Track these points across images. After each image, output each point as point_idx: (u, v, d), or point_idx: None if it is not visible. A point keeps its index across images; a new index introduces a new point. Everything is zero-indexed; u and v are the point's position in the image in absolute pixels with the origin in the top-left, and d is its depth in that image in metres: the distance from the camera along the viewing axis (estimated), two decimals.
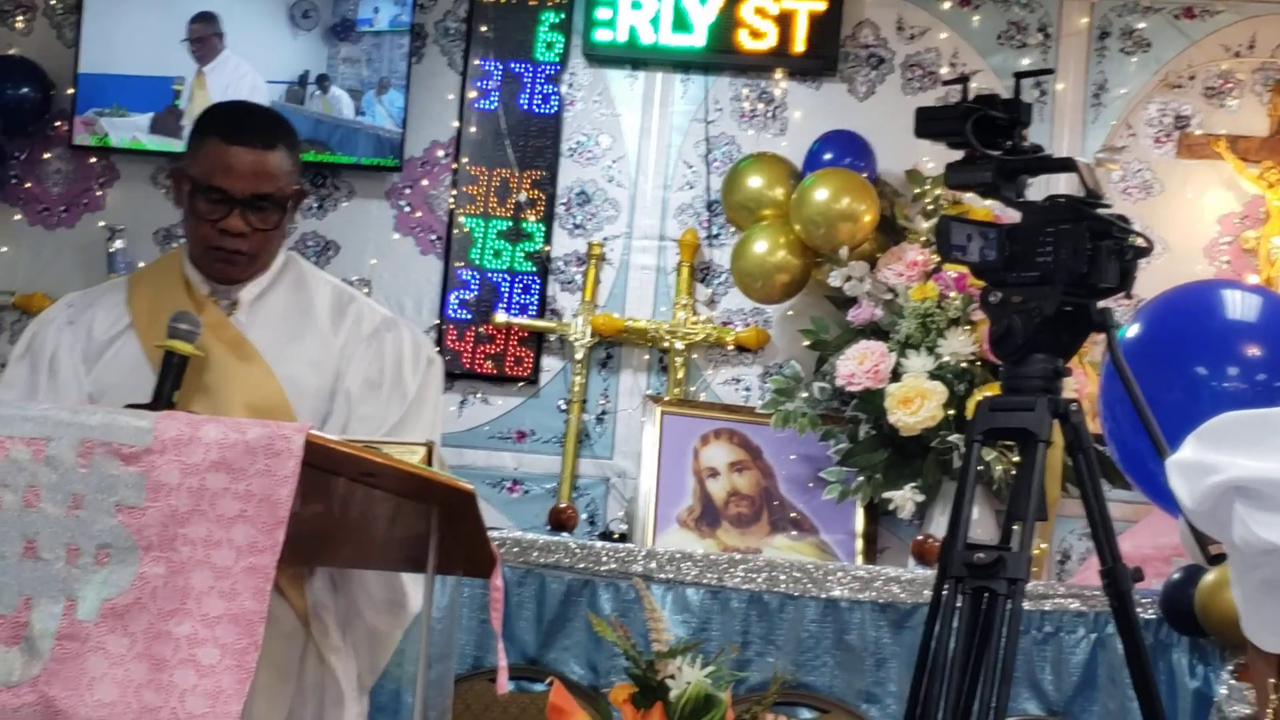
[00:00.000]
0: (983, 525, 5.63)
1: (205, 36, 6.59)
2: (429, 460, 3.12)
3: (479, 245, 6.57)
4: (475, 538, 3.10)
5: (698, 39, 6.48)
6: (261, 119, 3.82)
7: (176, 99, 6.59)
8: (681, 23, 6.48)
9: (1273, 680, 2.21)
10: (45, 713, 2.69)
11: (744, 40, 6.45)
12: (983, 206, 5.73)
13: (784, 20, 6.43)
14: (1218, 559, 3.22)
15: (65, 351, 3.73)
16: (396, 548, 3.36)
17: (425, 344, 3.88)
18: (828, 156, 6.27)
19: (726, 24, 6.46)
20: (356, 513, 3.15)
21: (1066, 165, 3.62)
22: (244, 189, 3.65)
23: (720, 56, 6.51)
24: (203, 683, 2.70)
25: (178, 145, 6.49)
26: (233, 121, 3.74)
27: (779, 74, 6.54)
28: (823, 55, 6.45)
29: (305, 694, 3.64)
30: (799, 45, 6.44)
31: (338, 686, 3.67)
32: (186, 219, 3.77)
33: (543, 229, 6.55)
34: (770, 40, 6.45)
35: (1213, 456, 2.14)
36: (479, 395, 6.56)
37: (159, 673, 2.70)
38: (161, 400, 3.48)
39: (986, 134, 3.56)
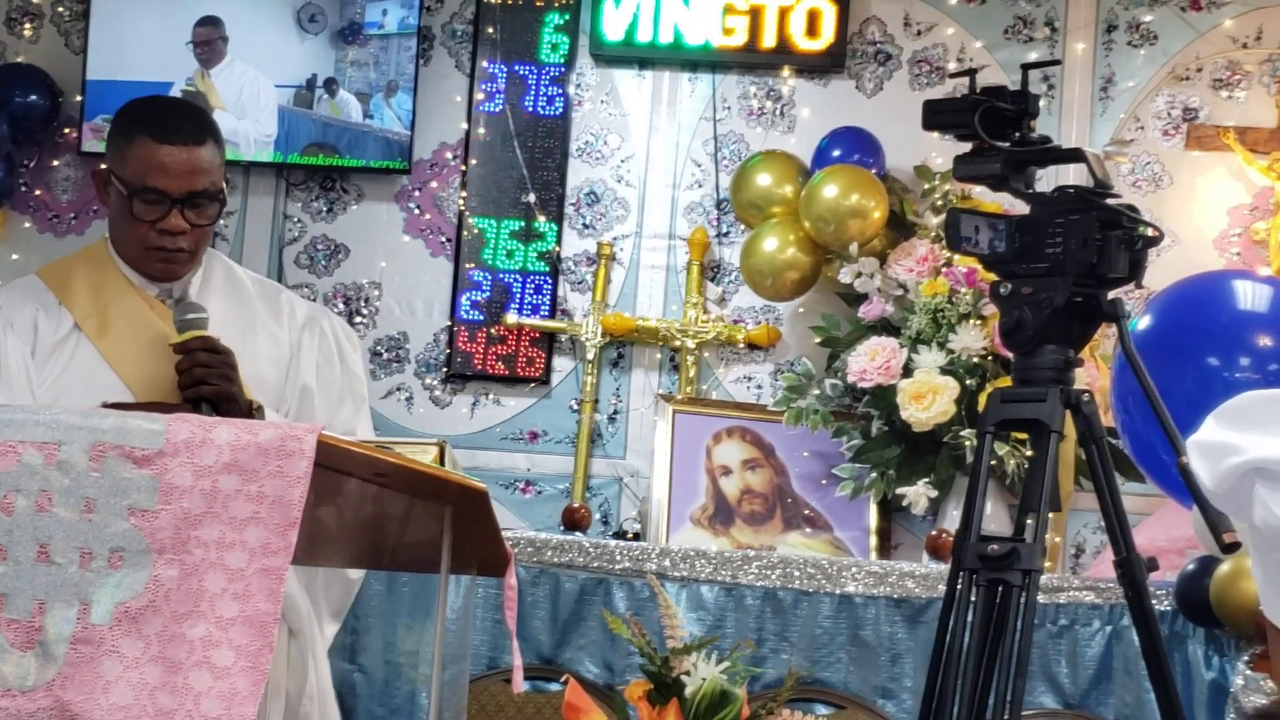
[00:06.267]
0: (996, 520, 5.62)
1: (210, 40, 6.59)
2: (441, 460, 3.13)
3: (490, 246, 6.57)
4: (489, 537, 3.10)
5: (705, 37, 6.48)
6: (188, 114, 3.76)
7: None
8: (688, 21, 6.47)
9: None
10: (60, 717, 2.68)
11: (751, 38, 6.45)
12: (992, 201, 5.72)
13: (791, 18, 6.43)
14: (1232, 548, 3.21)
15: (14, 353, 3.66)
16: (409, 548, 3.35)
17: (347, 326, 3.99)
18: (836, 153, 6.27)
19: (733, 22, 6.46)
20: (369, 513, 3.15)
21: (1075, 156, 3.62)
22: (180, 187, 3.62)
23: (727, 55, 6.51)
24: (217, 685, 2.69)
25: None
26: (160, 120, 3.68)
27: (786, 71, 6.54)
28: (830, 52, 6.45)
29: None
30: (806, 42, 6.44)
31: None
32: (117, 220, 3.72)
33: (553, 229, 6.56)
34: (777, 38, 6.44)
35: (1234, 437, 2.12)
36: (491, 396, 6.56)
37: (174, 675, 2.69)
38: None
39: (994, 125, 3.56)
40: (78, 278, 3.78)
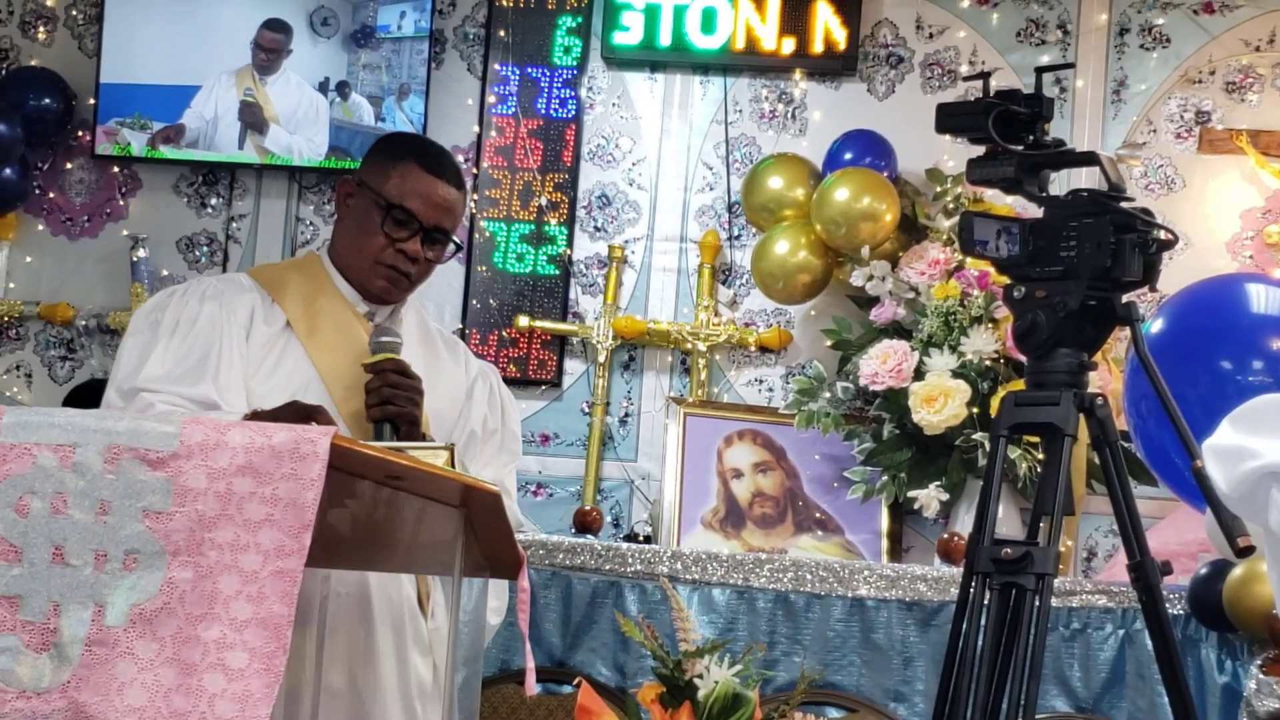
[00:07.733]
0: (1008, 524, 5.62)
1: (278, 49, 6.58)
2: (451, 462, 3.13)
3: (501, 249, 6.57)
4: (501, 539, 3.10)
5: (716, 40, 6.48)
6: (453, 160, 3.97)
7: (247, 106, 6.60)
8: (700, 24, 6.48)
9: None
10: (75, 719, 2.69)
11: (763, 41, 6.45)
12: (1004, 204, 5.72)
13: (803, 20, 6.43)
14: (1245, 552, 3.21)
15: (225, 321, 3.71)
16: (423, 550, 3.35)
17: (507, 388, 4.09)
18: (848, 156, 6.27)
19: (745, 25, 6.46)
20: (382, 515, 3.15)
21: (1089, 159, 3.61)
22: (432, 219, 3.79)
23: (739, 57, 6.51)
24: (231, 687, 2.70)
25: (196, 155, 6.53)
26: (432, 155, 3.90)
27: (798, 74, 6.54)
28: (842, 55, 6.45)
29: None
30: (818, 45, 6.44)
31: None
32: (355, 230, 3.84)
33: (565, 232, 6.56)
34: (789, 41, 6.45)
35: (1250, 441, 2.13)
36: None
37: (188, 677, 2.70)
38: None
39: (1008, 129, 3.55)
40: (289, 281, 3.87)
